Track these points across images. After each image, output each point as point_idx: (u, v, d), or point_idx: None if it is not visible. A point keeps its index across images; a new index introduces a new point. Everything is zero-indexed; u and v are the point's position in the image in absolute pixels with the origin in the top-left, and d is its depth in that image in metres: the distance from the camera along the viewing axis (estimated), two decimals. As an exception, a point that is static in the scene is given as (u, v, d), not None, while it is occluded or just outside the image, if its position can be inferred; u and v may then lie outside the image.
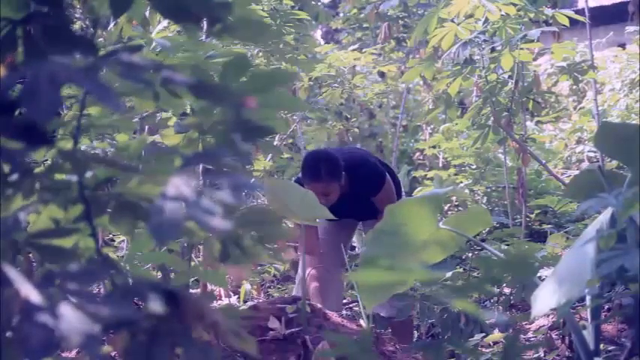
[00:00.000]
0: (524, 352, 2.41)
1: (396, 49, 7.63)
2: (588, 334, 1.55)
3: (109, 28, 2.79)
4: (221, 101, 1.02)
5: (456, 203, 5.71)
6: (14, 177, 0.94)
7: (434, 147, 6.51)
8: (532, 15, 4.25)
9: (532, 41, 4.08)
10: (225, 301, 3.53)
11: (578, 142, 7.12)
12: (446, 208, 5.59)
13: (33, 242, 0.96)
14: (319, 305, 2.50)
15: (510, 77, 4.49)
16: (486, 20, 4.19)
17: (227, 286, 3.49)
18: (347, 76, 6.58)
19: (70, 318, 0.72)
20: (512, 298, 3.20)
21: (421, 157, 7.17)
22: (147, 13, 2.69)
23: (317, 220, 2.89)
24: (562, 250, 3.40)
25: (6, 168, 0.92)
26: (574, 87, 7.96)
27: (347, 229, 3.47)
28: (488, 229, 4.81)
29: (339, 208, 3.10)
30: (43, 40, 0.93)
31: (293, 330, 2.20)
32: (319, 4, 6.80)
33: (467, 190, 5.75)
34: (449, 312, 2.67)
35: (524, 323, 2.86)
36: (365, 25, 8.15)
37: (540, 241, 4.42)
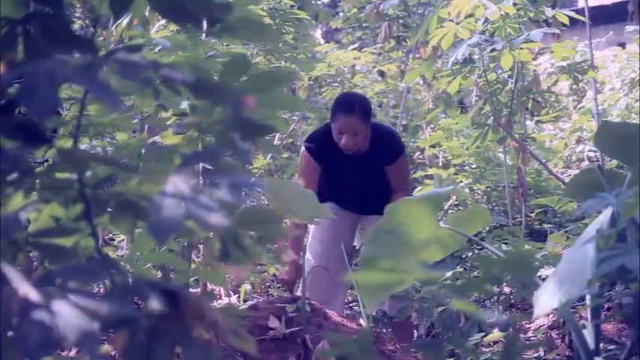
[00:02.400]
0: (524, 352, 2.41)
1: (396, 48, 7.62)
2: (588, 334, 1.55)
3: (110, 29, 2.79)
4: (221, 100, 1.02)
5: (456, 202, 5.71)
6: (14, 176, 0.94)
7: (434, 146, 6.51)
8: (532, 14, 4.25)
9: (533, 41, 4.09)
10: (225, 300, 3.53)
11: (578, 141, 7.13)
12: (446, 207, 5.59)
13: (33, 241, 0.96)
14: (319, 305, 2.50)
15: (510, 77, 4.49)
16: (486, 20, 4.19)
17: (227, 286, 3.49)
18: (347, 75, 6.58)
19: (68, 316, 0.72)
20: (512, 297, 3.20)
21: (421, 157, 7.16)
22: (146, 13, 2.69)
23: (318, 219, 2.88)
24: (562, 250, 3.40)
25: (6, 167, 0.92)
26: (574, 86, 7.96)
27: (349, 226, 3.46)
28: (488, 228, 4.81)
29: (353, 170, 3.10)
30: (43, 39, 0.93)
31: (293, 329, 2.20)
32: (319, 3, 6.80)
33: (467, 190, 5.74)
34: (448, 312, 2.67)
35: (524, 322, 2.86)
36: (365, 25, 8.15)
37: (540, 240, 4.42)
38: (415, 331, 3.31)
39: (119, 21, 2.80)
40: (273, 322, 2.22)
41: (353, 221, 3.44)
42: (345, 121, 3.04)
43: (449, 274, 3.12)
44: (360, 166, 3.18)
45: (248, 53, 4.65)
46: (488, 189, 5.85)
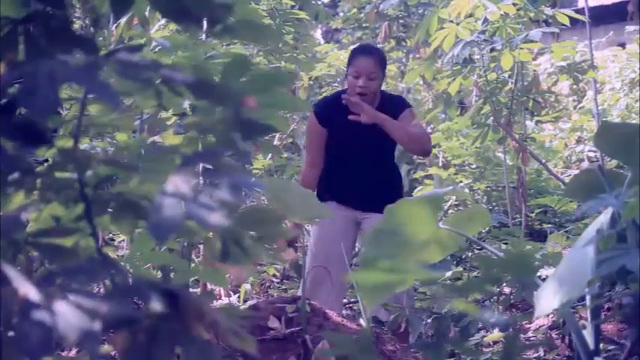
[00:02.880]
0: (524, 352, 2.41)
1: (396, 48, 7.63)
2: (588, 334, 1.55)
3: (110, 29, 2.79)
4: (221, 101, 1.02)
5: (456, 203, 5.71)
6: (15, 176, 0.94)
7: (434, 146, 6.51)
8: (532, 14, 4.25)
9: (532, 41, 4.09)
10: (225, 300, 3.52)
11: (578, 141, 7.13)
12: (446, 207, 5.59)
13: (33, 241, 0.96)
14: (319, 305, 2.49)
15: (510, 77, 4.49)
16: (486, 20, 4.19)
17: (227, 286, 3.49)
18: (347, 75, 6.57)
19: (69, 316, 0.72)
20: (512, 297, 3.20)
21: (421, 157, 7.16)
22: (146, 13, 2.69)
23: (319, 220, 2.88)
24: (562, 250, 3.40)
25: (6, 167, 0.92)
26: (574, 86, 7.96)
27: (349, 226, 3.46)
28: (488, 228, 4.81)
29: (358, 138, 3.17)
30: (44, 39, 0.93)
31: (293, 329, 2.20)
32: (319, 3, 6.80)
33: (467, 190, 5.75)
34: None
35: (524, 322, 2.86)
36: (365, 25, 8.15)
37: (540, 240, 4.42)
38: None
39: (119, 20, 2.80)
40: (273, 322, 2.22)
41: (353, 221, 3.44)
42: (364, 61, 3.11)
43: (449, 274, 3.12)
44: (366, 133, 3.18)
45: (248, 53, 4.65)
46: (488, 189, 5.85)
